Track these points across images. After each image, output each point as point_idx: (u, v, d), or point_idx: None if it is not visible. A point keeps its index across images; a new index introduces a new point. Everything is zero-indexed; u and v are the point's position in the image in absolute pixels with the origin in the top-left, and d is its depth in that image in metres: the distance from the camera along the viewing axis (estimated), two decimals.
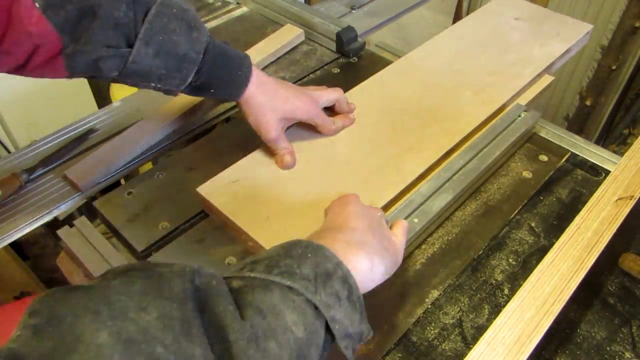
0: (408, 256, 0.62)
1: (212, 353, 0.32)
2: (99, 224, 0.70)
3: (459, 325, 0.56)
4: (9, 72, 0.51)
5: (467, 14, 1.64)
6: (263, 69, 0.88)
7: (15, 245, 1.24)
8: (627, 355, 0.53)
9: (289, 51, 0.94)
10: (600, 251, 0.54)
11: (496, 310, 0.57)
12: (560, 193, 0.69)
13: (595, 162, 0.73)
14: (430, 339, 0.55)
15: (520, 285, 0.51)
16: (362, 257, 0.45)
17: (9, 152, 1.42)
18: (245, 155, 0.67)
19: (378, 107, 0.74)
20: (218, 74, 0.60)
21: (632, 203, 0.59)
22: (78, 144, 0.76)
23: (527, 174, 0.72)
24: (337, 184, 0.62)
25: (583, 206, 0.59)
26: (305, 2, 1.36)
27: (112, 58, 0.52)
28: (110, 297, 0.31)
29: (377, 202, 0.61)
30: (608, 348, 0.54)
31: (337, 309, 0.39)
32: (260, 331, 0.34)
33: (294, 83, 0.83)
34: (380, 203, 0.61)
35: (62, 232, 0.64)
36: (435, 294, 0.59)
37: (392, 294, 0.59)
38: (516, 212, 0.67)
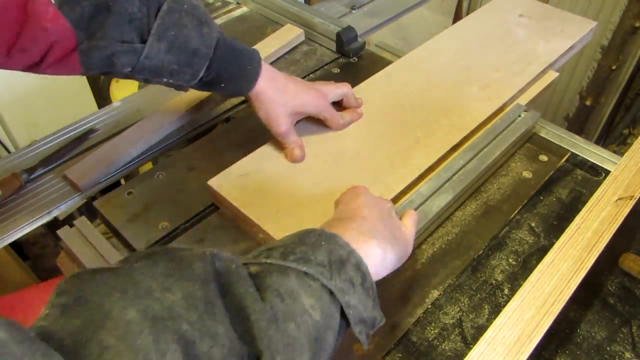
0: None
1: (234, 332, 0.32)
2: (99, 224, 0.71)
3: (459, 325, 0.56)
4: (24, 69, 0.51)
5: (467, 14, 1.64)
6: None
7: (15, 245, 1.24)
8: (627, 355, 0.53)
9: (289, 51, 0.94)
10: (600, 251, 0.54)
11: (496, 310, 0.57)
12: (560, 193, 0.69)
13: (595, 162, 0.73)
14: (430, 339, 0.55)
15: (520, 285, 0.51)
16: (373, 245, 0.45)
17: (9, 152, 1.42)
18: (245, 154, 0.67)
19: (385, 102, 0.74)
20: (228, 69, 0.60)
21: (632, 203, 0.59)
22: (78, 144, 0.76)
23: (527, 174, 0.72)
24: (345, 177, 0.63)
25: (583, 206, 0.59)
26: (305, 2, 1.36)
27: (126, 54, 0.52)
28: (135, 278, 0.32)
29: (386, 195, 0.61)
30: (608, 348, 0.54)
31: (351, 294, 0.40)
32: (279, 313, 0.35)
33: None
34: (389, 196, 0.61)
35: (62, 232, 0.64)
36: (435, 294, 0.59)
37: (392, 294, 0.59)
38: (516, 212, 0.67)
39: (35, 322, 0.29)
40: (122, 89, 1.27)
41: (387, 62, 0.86)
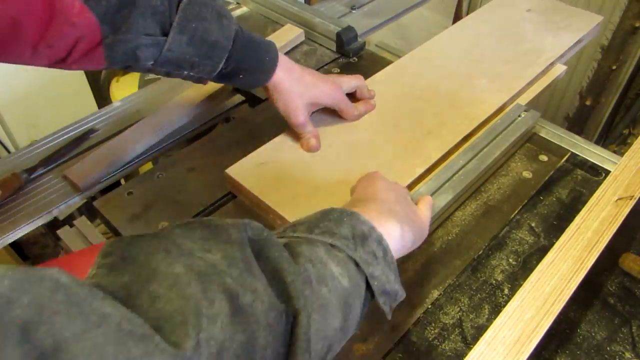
0: (408, 256, 0.62)
1: (272, 291, 0.33)
2: (99, 224, 0.71)
3: (459, 325, 0.56)
4: (49, 65, 0.51)
5: (467, 13, 1.64)
6: None
7: (15, 245, 1.24)
8: (627, 355, 0.53)
9: (289, 51, 0.94)
10: (600, 251, 0.54)
11: (496, 310, 0.57)
12: (560, 193, 0.69)
13: (595, 162, 0.73)
14: (430, 339, 0.55)
15: (520, 285, 0.51)
16: (393, 224, 0.46)
17: (9, 152, 1.42)
18: (245, 154, 0.67)
19: (397, 94, 0.76)
20: (247, 60, 0.61)
21: (632, 203, 0.59)
22: (78, 144, 0.76)
23: (527, 174, 0.72)
24: (360, 166, 0.64)
25: (583, 206, 0.59)
26: (305, 2, 1.35)
27: (150, 47, 0.53)
28: (177, 241, 0.33)
29: (400, 183, 0.62)
30: (608, 348, 0.54)
31: (375, 266, 0.41)
32: (313, 275, 0.36)
33: None
34: (403, 184, 0.62)
35: (62, 232, 0.64)
36: (435, 294, 0.59)
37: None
38: (516, 212, 0.67)
39: (84, 281, 0.30)
40: (122, 89, 1.27)
41: (387, 62, 0.86)
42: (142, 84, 1.19)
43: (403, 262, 0.60)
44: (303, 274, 0.36)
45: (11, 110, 1.39)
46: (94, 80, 1.50)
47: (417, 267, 0.61)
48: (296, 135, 0.68)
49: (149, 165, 0.81)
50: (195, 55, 0.56)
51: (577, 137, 0.76)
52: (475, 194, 0.69)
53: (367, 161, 0.65)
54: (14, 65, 0.50)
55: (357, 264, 0.40)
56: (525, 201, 0.68)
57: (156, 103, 0.80)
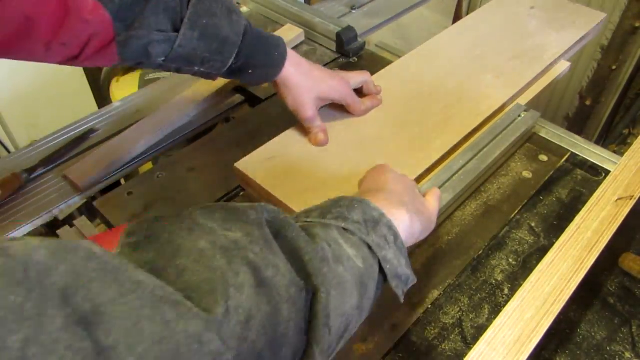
0: (408, 254, 0.62)
1: (292, 268, 0.34)
2: (99, 224, 0.70)
3: (459, 325, 0.56)
4: (62, 63, 0.51)
5: (467, 13, 1.64)
6: None
7: None
8: (627, 355, 0.53)
9: None
10: (600, 251, 0.54)
11: (496, 310, 0.57)
12: (560, 193, 0.69)
13: (595, 162, 0.73)
14: (430, 339, 0.55)
15: (520, 285, 0.51)
16: (402, 213, 0.47)
17: (9, 152, 1.42)
18: (245, 154, 0.67)
19: (403, 90, 0.76)
20: (256, 56, 0.61)
21: (632, 203, 0.59)
22: (78, 144, 0.76)
23: (527, 174, 0.72)
24: (367, 160, 0.65)
25: (583, 206, 0.59)
26: (305, 2, 1.36)
27: (161, 43, 0.53)
28: (198, 221, 0.34)
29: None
30: (608, 348, 0.54)
31: (387, 250, 0.42)
32: (329, 254, 0.37)
33: None
34: (411, 177, 0.62)
35: (62, 232, 0.64)
36: (435, 294, 0.59)
37: (392, 294, 0.59)
38: (516, 212, 0.67)
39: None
40: (122, 89, 1.27)
41: (387, 62, 0.86)
42: (142, 84, 1.19)
43: None
44: (320, 252, 0.36)
45: (11, 110, 1.39)
46: (94, 80, 1.50)
47: (417, 267, 0.61)
48: (304, 130, 0.69)
49: (149, 165, 0.81)
50: (206, 51, 0.56)
51: (577, 137, 0.76)
52: (475, 194, 0.69)
53: (374, 155, 0.66)
54: (14, 65, 0.50)
55: (370, 247, 0.41)
56: (525, 201, 0.68)
57: (156, 103, 0.80)
